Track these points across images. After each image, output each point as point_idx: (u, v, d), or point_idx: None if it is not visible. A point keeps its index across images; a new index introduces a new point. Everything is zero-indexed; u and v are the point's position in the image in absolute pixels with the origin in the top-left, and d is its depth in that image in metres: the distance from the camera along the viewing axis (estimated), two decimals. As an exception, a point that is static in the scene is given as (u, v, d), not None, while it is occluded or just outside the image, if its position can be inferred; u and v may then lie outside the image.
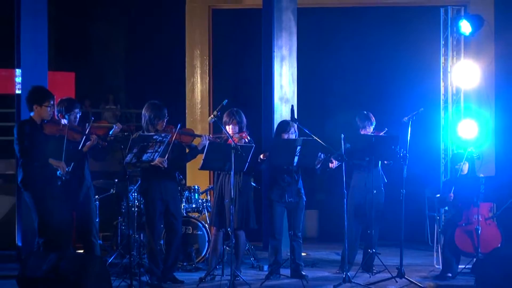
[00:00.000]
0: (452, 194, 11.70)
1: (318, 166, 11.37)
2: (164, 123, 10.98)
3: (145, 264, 11.31)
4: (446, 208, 12.19)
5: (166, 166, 10.79)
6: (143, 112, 11.09)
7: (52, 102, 10.81)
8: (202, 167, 11.07)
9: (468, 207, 11.59)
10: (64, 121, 10.84)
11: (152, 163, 10.67)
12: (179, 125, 10.90)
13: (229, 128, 11.17)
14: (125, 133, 10.72)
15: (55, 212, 10.59)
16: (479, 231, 11.42)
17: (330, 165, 11.38)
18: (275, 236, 11.50)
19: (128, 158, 10.38)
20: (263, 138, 13.76)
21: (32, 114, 10.76)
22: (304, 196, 11.58)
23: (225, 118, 11.26)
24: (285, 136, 11.42)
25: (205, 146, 10.79)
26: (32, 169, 10.61)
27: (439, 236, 12.33)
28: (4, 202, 14.70)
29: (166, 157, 10.72)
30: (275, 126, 12.22)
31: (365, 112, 11.94)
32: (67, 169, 10.63)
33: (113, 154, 12.73)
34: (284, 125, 11.65)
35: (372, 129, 11.85)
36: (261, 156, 11.14)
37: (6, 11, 13.44)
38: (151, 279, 10.88)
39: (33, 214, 10.73)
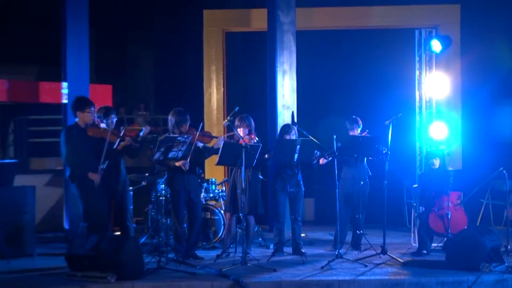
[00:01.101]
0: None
1: (315, 162, 11.41)
2: (187, 126, 11.04)
3: (171, 243, 11.35)
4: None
5: (187, 168, 10.86)
6: (169, 117, 11.14)
7: (92, 109, 10.85)
8: (218, 163, 11.08)
9: (440, 196, 11.60)
10: (102, 125, 10.90)
11: (176, 164, 10.75)
12: (201, 123, 10.96)
13: (240, 131, 11.21)
14: (154, 135, 10.77)
15: (96, 201, 10.64)
16: (449, 215, 11.39)
17: (320, 161, 11.42)
18: (279, 220, 11.52)
19: (156, 155, 10.41)
20: (268, 138, 13.74)
21: (76, 119, 10.82)
22: (303, 187, 11.58)
23: (237, 122, 11.29)
24: (287, 137, 11.45)
25: (220, 146, 10.88)
26: (77, 166, 10.67)
27: (415, 219, 12.29)
28: (54, 193, 14.69)
29: (188, 159, 10.78)
30: (279, 128, 12.29)
31: (354, 117, 11.98)
32: (102, 166, 10.70)
33: (144, 152, 12.74)
34: (286, 128, 11.68)
35: (359, 130, 11.88)
36: (266, 156, 11.20)
37: (55, 35, 13.49)
38: (176, 256, 10.93)
39: (78, 203, 10.80)
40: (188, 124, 11.06)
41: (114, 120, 11.17)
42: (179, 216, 11.13)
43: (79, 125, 10.75)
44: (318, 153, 11.31)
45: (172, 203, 11.20)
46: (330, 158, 11.26)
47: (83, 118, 10.72)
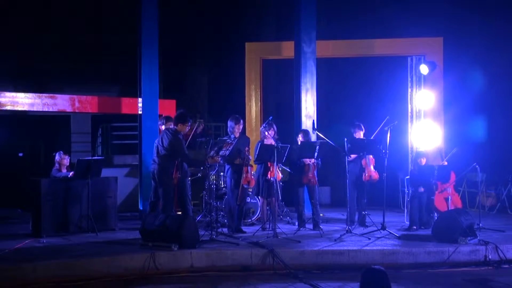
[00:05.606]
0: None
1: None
2: (241, 126, 11.03)
3: (220, 221, 11.27)
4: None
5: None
6: (228, 122, 11.10)
7: (189, 124, 10.80)
8: (256, 161, 11.19)
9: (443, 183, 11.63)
10: (162, 128, 11.02)
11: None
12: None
13: (269, 132, 11.18)
14: (207, 138, 10.82)
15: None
16: (450, 199, 11.54)
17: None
18: (300, 203, 11.51)
19: (211, 153, 10.46)
20: (295, 140, 13.69)
21: (175, 127, 10.64)
22: (317, 178, 11.47)
23: (266, 127, 11.29)
24: (301, 139, 11.51)
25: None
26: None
27: (407, 203, 12.22)
28: (131, 182, 14.80)
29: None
30: (302, 133, 12.24)
31: (357, 123, 11.85)
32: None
33: (200, 151, 12.75)
34: (301, 131, 11.93)
35: (362, 134, 11.76)
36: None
37: (132, 63, 13.58)
38: (229, 230, 10.99)
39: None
40: (242, 125, 11.07)
41: (171, 126, 11.01)
42: (237, 197, 11.07)
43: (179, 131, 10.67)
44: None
45: (235, 188, 11.03)
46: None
47: (182, 129, 10.61)
